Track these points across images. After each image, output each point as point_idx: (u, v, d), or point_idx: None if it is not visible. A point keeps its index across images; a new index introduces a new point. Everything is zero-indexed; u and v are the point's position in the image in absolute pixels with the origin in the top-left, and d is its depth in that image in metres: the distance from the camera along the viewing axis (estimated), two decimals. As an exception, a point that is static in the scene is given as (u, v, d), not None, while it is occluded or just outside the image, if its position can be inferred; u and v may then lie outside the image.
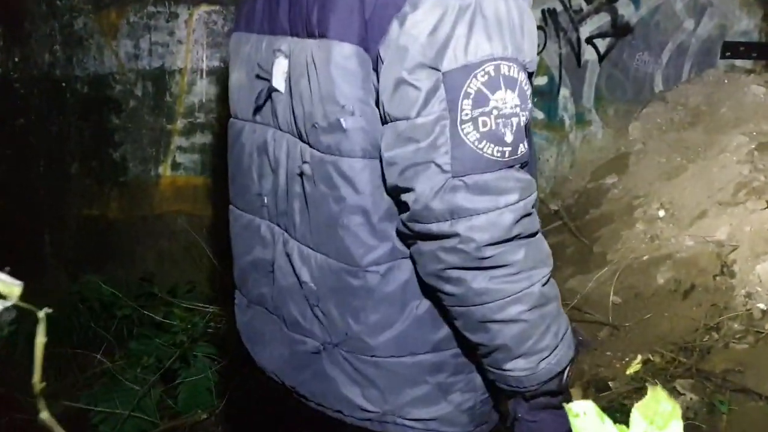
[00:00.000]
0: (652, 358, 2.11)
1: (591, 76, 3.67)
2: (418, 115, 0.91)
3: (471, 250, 0.91)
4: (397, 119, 0.93)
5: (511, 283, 0.93)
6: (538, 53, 3.56)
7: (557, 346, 0.99)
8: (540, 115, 3.52)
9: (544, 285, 0.97)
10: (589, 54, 3.69)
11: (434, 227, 0.92)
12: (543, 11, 3.62)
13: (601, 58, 3.72)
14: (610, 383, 2.09)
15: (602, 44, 3.73)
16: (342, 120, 0.99)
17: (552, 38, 3.63)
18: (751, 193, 2.81)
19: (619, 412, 2.00)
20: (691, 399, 1.96)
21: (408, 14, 0.91)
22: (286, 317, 1.15)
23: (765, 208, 2.64)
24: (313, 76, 1.01)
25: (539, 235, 1.00)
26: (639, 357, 2.11)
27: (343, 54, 0.97)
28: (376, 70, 0.96)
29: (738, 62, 3.95)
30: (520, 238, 0.93)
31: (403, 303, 1.05)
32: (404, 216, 0.97)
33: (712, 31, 3.94)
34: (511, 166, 0.92)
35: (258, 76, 1.14)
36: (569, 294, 2.47)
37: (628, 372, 2.08)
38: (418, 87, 0.90)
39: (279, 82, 1.08)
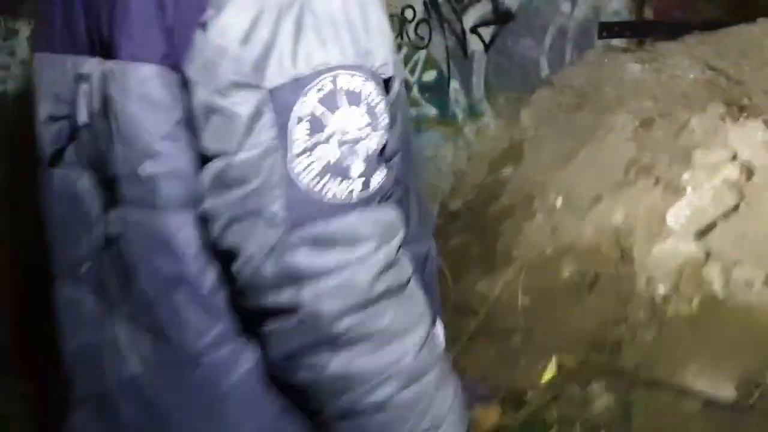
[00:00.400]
0: (565, 361, 2.02)
1: (479, 67, 3.56)
2: (239, 149, 0.68)
3: (321, 325, 0.69)
4: (214, 157, 0.70)
5: (378, 359, 0.71)
6: (425, 47, 3.41)
7: (445, 419, 0.79)
8: (432, 111, 3.37)
9: (421, 350, 0.75)
10: (475, 44, 3.57)
11: (270, 299, 0.70)
12: (425, 3, 3.45)
13: (487, 47, 3.62)
14: (528, 393, 1.98)
15: (486, 33, 3.63)
16: (144, 165, 0.75)
17: (437, 30, 3.47)
18: (640, 171, 2.80)
19: (539, 427, 1.89)
20: (606, 400, 1.88)
21: (212, 18, 0.68)
22: (121, 419, 0.89)
23: (653, 187, 2.63)
24: (112, 108, 0.77)
25: (411, 284, 0.77)
26: (552, 361, 2.02)
27: (141, 78, 0.74)
28: (185, 94, 0.73)
29: (614, 41, 3.99)
30: (385, 296, 0.71)
31: (256, 392, 0.81)
32: (233, 286, 0.75)
33: (588, 12, 3.95)
34: (366, 205, 0.71)
35: (55, 115, 0.89)
36: (478, 300, 2.35)
37: (542, 380, 1.97)
38: (236, 113, 0.67)
39: (83, 115, 0.83)
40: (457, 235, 2.84)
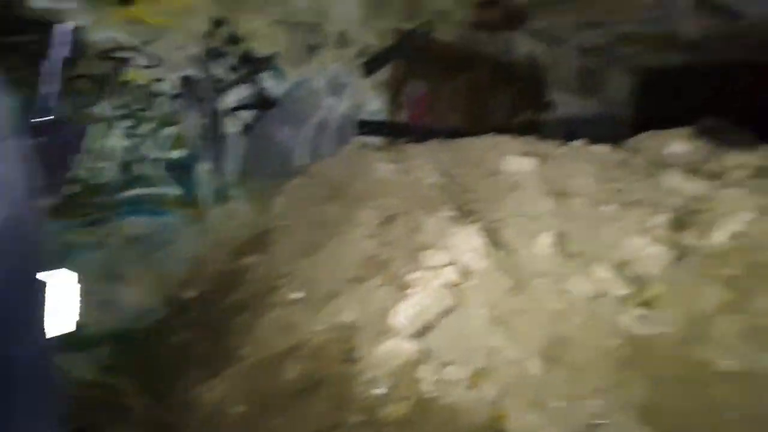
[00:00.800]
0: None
1: (234, 150, 3.47)
2: None
3: None
4: None
5: None
6: (175, 123, 3.22)
7: None
8: (176, 191, 3.15)
9: None
10: (232, 126, 3.50)
11: None
12: (182, 78, 3.30)
13: (245, 130, 3.56)
14: None
15: (246, 116, 3.59)
16: None
17: (191, 107, 3.33)
18: (376, 268, 2.89)
19: None
20: None
21: None
22: None
23: (385, 284, 2.71)
24: None
25: None
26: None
27: None
28: None
29: (370, 139, 4.26)
30: None
31: None
32: None
33: (349, 109, 4.18)
34: None
35: None
36: (188, 411, 2.11)
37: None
38: None
39: None
40: (183, 331, 2.59)
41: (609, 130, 6.79)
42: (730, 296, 2.18)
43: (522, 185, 3.40)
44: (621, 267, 2.53)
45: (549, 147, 3.96)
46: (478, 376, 2.24)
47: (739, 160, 3.37)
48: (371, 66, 4.31)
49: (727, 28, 4.92)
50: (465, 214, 3.30)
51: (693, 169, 3.39)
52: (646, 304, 2.35)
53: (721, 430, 1.78)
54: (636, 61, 6.84)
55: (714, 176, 3.18)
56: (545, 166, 3.59)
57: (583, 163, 3.57)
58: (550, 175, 3.49)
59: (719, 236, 2.47)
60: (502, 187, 3.49)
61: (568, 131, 6.12)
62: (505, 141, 4.04)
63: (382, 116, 4.39)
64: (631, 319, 2.32)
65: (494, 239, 2.86)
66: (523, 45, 5.69)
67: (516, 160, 3.63)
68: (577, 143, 3.99)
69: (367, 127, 4.24)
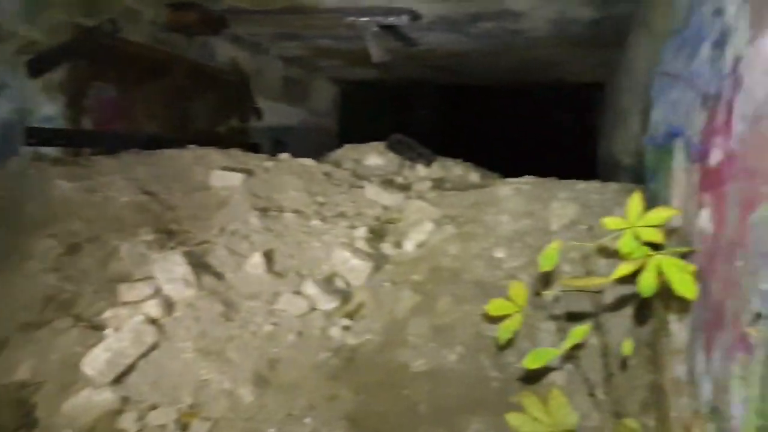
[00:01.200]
0: None
1: None
2: None
3: None
4: None
5: None
6: None
7: None
8: None
9: None
10: None
11: None
12: None
13: None
14: None
15: None
16: None
17: None
18: (59, 308, 2.60)
19: None
20: None
21: None
22: None
23: (72, 327, 2.45)
24: None
25: None
26: None
27: None
28: None
29: (45, 151, 3.77)
30: None
31: None
32: None
33: (12, 115, 3.63)
34: None
35: None
36: None
37: None
38: None
39: None
40: None
41: (315, 139, 7.30)
42: (419, 300, 2.57)
43: (230, 202, 3.43)
44: (328, 280, 2.75)
45: (257, 160, 4.06)
46: (187, 415, 2.20)
47: (421, 174, 3.98)
48: (41, 65, 3.82)
49: (407, 51, 5.74)
50: (168, 236, 3.18)
51: (387, 181, 3.88)
52: (351, 314, 2.61)
53: (415, 424, 2.09)
54: (336, 73, 7.48)
55: (403, 188, 3.69)
56: (253, 180, 3.68)
57: (291, 176, 3.76)
58: (258, 190, 3.60)
59: (408, 245, 2.88)
60: (209, 204, 3.46)
61: (275, 138, 6.38)
62: (210, 153, 4.01)
63: (58, 123, 3.92)
64: (338, 331, 2.54)
65: (201, 263, 2.83)
66: (225, 50, 5.71)
67: (223, 174, 3.64)
68: (284, 156, 4.18)
69: (40, 136, 3.75)
